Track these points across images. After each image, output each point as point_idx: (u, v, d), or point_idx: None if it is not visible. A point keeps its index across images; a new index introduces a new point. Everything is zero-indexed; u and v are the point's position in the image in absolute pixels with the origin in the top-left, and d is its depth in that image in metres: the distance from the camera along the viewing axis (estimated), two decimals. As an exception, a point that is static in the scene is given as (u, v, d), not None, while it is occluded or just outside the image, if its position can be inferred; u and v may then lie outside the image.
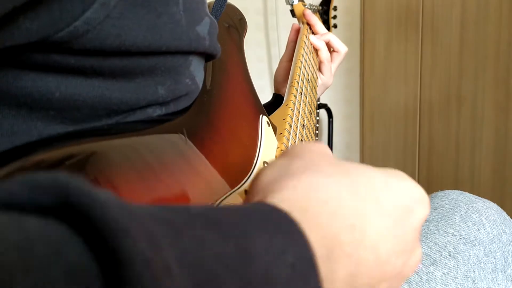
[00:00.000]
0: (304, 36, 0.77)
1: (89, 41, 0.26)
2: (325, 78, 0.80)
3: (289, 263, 0.19)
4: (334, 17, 1.65)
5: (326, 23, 1.63)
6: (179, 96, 0.35)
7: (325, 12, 1.64)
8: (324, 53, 0.78)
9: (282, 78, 0.79)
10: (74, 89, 0.28)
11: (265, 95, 0.80)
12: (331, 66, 0.80)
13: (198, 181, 0.32)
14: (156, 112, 0.34)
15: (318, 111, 1.61)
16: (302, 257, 0.20)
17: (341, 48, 0.81)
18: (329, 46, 0.81)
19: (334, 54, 0.81)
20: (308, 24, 0.84)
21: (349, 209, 0.24)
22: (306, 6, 0.98)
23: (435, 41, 1.36)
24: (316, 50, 0.79)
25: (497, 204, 0.57)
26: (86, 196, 0.15)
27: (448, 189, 0.60)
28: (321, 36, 0.81)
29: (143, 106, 0.32)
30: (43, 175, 0.16)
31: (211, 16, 0.38)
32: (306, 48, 0.75)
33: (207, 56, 0.40)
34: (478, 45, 1.15)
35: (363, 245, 0.23)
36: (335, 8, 1.65)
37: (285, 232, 0.21)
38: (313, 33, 0.83)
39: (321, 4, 1.65)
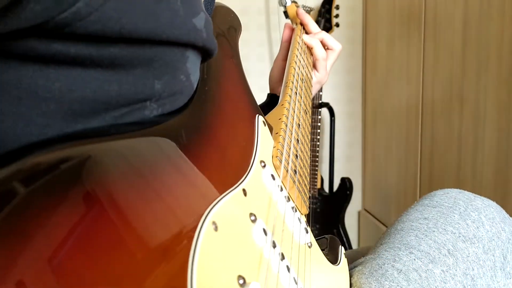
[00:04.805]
0: (298, 37, 0.78)
1: (92, 24, 0.27)
2: (320, 75, 0.80)
3: None
4: (337, 16, 1.65)
5: (328, 22, 1.64)
6: (174, 93, 0.36)
7: (327, 11, 1.64)
8: (318, 50, 0.79)
9: (277, 77, 0.80)
10: (73, 82, 0.28)
11: (266, 95, 0.81)
12: (326, 64, 0.80)
13: (196, 181, 0.32)
14: (153, 113, 0.34)
15: (320, 110, 1.61)
16: None
17: (335, 46, 0.81)
18: (323, 44, 0.81)
19: (329, 52, 0.82)
20: (301, 23, 0.84)
21: None
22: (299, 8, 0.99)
23: (437, 40, 1.35)
24: (310, 49, 0.80)
25: (499, 204, 0.57)
26: None
27: (450, 188, 0.60)
28: (314, 35, 0.81)
29: (140, 100, 0.33)
30: None
31: (206, 12, 0.39)
32: (300, 48, 0.75)
33: (204, 54, 0.41)
34: (481, 45, 1.15)
35: None
36: (337, 7, 1.65)
37: None
38: (306, 32, 0.83)
39: (323, 3, 1.66)
